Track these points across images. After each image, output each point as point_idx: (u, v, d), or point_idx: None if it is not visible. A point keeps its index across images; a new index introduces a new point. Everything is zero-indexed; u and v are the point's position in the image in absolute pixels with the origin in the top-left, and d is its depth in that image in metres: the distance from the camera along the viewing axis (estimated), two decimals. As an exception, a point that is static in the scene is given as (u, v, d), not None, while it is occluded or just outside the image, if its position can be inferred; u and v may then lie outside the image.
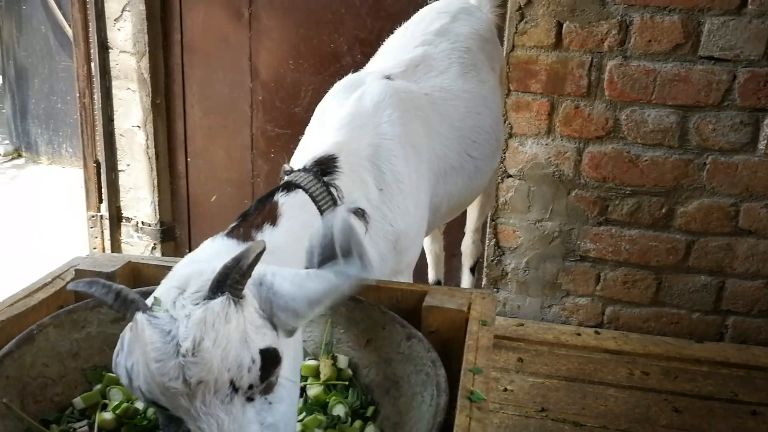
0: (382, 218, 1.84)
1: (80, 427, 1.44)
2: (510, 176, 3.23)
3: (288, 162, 1.97)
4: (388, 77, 2.04)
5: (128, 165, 3.86)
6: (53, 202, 5.66)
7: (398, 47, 2.34)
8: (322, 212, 1.63)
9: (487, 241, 3.33)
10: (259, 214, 1.52)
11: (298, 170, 1.71)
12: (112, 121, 3.79)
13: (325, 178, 1.69)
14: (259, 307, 1.24)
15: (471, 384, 1.33)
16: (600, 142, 3.12)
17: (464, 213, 3.12)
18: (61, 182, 6.20)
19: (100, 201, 3.90)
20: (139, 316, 1.18)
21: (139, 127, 3.77)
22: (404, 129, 1.93)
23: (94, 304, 1.60)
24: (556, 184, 3.21)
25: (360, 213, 1.75)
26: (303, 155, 1.86)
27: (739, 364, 3.05)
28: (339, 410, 1.53)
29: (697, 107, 2.99)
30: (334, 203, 1.66)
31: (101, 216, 3.91)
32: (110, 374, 1.55)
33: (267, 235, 1.47)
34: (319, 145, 1.82)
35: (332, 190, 1.68)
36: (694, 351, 3.15)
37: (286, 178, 1.70)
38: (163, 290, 1.25)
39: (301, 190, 1.62)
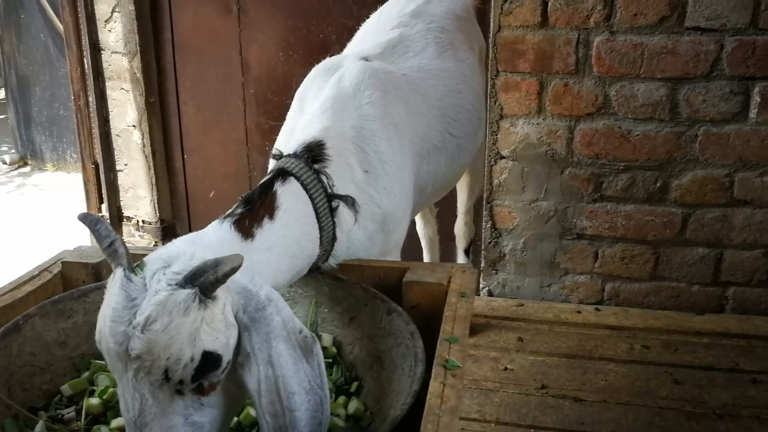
0: (369, 200, 1.86)
1: (68, 414, 1.47)
2: (503, 157, 3.23)
3: (272, 150, 1.99)
4: (365, 59, 2.05)
5: (126, 164, 3.90)
6: (59, 207, 5.72)
7: (374, 30, 2.35)
8: (312, 200, 1.66)
9: (483, 224, 3.34)
10: (261, 205, 1.56)
11: (288, 156, 1.74)
12: (108, 121, 3.83)
13: (316, 166, 1.72)
14: (234, 312, 1.26)
15: (447, 353, 1.35)
16: (591, 119, 3.12)
17: (455, 196, 3.13)
18: (67, 188, 6.25)
19: (101, 201, 3.95)
20: (119, 272, 1.22)
21: (134, 126, 3.80)
22: (385, 110, 1.95)
23: (80, 294, 1.63)
24: (549, 163, 3.20)
25: (350, 202, 1.77)
26: (287, 140, 1.89)
27: (740, 334, 3.03)
28: (323, 387, 1.55)
29: (686, 79, 2.98)
30: (324, 191, 1.70)
31: (102, 216, 3.95)
32: (97, 361, 1.58)
33: (266, 230, 1.52)
34: (305, 129, 1.84)
35: (323, 177, 1.71)
36: (695, 323, 3.13)
37: (276, 163, 1.73)
38: (152, 258, 1.27)
39: (293, 178, 1.65)
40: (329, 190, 1.70)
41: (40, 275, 1.71)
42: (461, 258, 3.23)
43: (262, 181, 1.66)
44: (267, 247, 1.50)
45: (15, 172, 6.87)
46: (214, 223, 1.50)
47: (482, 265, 3.40)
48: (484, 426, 2.54)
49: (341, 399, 1.54)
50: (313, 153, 1.74)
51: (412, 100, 2.09)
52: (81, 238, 4.60)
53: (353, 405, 1.50)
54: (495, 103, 3.14)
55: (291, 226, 1.59)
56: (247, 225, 1.50)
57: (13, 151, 7.22)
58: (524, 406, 2.65)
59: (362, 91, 1.92)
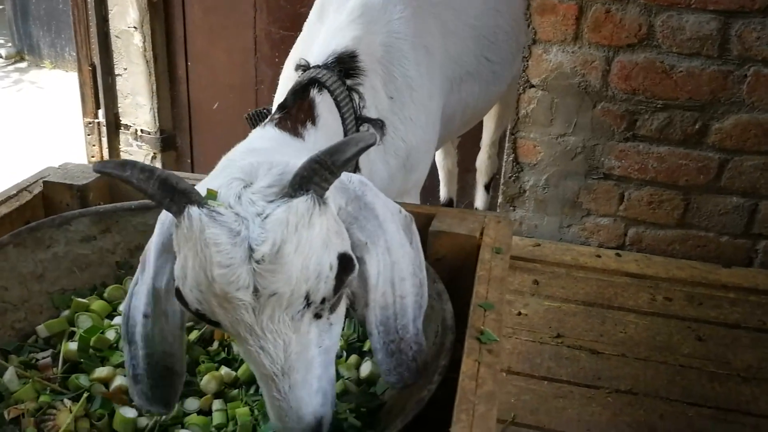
0: (393, 132, 1.68)
1: (43, 358, 1.30)
2: (532, 86, 3.00)
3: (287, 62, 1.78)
4: (396, -32, 1.80)
5: (125, 69, 3.67)
6: (56, 107, 5.51)
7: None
8: (343, 120, 1.52)
9: (504, 157, 3.13)
10: (299, 109, 1.41)
11: (318, 66, 1.53)
12: (107, 21, 3.58)
13: (349, 82, 1.57)
14: (336, 211, 1.11)
15: (481, 322, 1.16)
16: (631, 51, 2.87)
17: (480, 125, 2.90)
18: (65, 87, 6.01)
19: (97, 107, 3.73)
20: (194, 211, 1.00)
21: (135, 27, 3.55)
22: (417, 28, 1.73)
23: (61, 221, 1.43)
24: (581, 95, 2.97)
25: (379, 125, 1.62)
26: (305, 51, 1.67)
27: (768, 291, 2.88)
28: (333, 344, 1.38)
29: (742, 13, 2.72)
30: (354, 113, 1.55)
31: (98, 123, 3.74)
32: (79, 299, 1.40)
33: (312, 134, 1.39)
34: (332, 38, 1.63)
35: (354, 96, 1.56)
36: (721, 276, 2.98)
37: (304, 74, 1.54)
38: (221, 182, 1.07)
39: (327, 92, 1.50)
40: (358, 112, 1.52)
41: (18, 195, 1.52)
42: (480, 193, 3.04)
43: (290, 89, 1.46)
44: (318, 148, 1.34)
45: (11, 67, 6.61)
46: (255, 132, 1.34)
47: (500, 200, 3.22)
48: (494, 374, 2.40)
49: (353, 359, 1.37)
50: (346, 65, 1.57)
51: (446, 18, 1.86)
52: (74, 143, 4.38)
53: (367, 367, 1.33)
54: (528, 26, 2.88)
55: (329, 140, 1.41)
56: (290, 126, 1.35)
57: (10, 44, 6.92)
58: (538, 356, 2.51)
59: (393, 5, 1.70)
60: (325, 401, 1.09)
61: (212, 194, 1.03)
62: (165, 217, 1.15)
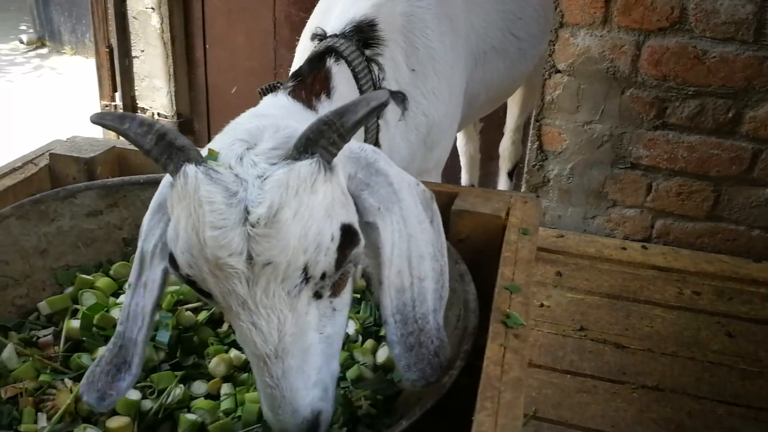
0: (415, 106, 1.60)
1: (44, 336, 1.24)
2: (558, 71, 2.91)
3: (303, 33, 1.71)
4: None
5: (142, 51, 3.60)
6: (75, 93, 5.46)
7: None
8: (361, 92, 1.43)
9: (529, 144, 3.04)
10: (314, 79, 1.33)
11: (335, 35, 1.48)
12: (125, 1, 3.51)
13: (368, 52, 1.48)
14: (346, 183, 1.03)
15: (507, 305, 1.08)
16: (663, 35, 2.77)
17: (504, 110, 2.81)
18: (85, 73, 5.98)
19: (114, 89, 3.67)
20: (191, 169, 0.93)
21: (153, 9, 3.49)
22: None
23: (66, 194, 1.37)
24: (609, 81, 2.88)
25: (400, 99, 1.53)
26: (322, 21, 1.60)
27: (802, 287, 2.77)
28: (349, 327, 1.31)
29: (780, -4, 2.62)
30: (373, 85, 1.46)
31: (115, 106, 3.68)
32: (83, 276, 1.33)
33: (326, 106, 1.30)
34: (350, 7, 1.55)
35: (374, 67, 1.48)
36: (752, 271, 2.88)
37: (321, 43, 1.47)
38: (224, 143, 0.99)
39: (344, 62, 1.42)
40: (378, 84, 1.45)
41: (24, 168, 1.46)
42: (503, 181, 2.95)
43: (306, 58, 1.40)
44: None
45: (33, 53, 6.58)
46: (267, 99, 1.27)
47: (523, 189, 3.13)
48: (515, 367, 2.32)
49: (369, 343, 1.29)
50: (364, 35, 1.48)
51: (470, -12, 1.77)
52: (92, 128, 4.35)
53: (384, 353, 1.26)
54: (556, 8, 2.79)
55: None
56: (304, 96, 1.27)
57: (31, 30, 6.90)
58: (560, 349, 2.43)
59: None
60: (325, 396, 1.00)
61: (213, 155, 0.96)
62: (165, 180, 1.08)
